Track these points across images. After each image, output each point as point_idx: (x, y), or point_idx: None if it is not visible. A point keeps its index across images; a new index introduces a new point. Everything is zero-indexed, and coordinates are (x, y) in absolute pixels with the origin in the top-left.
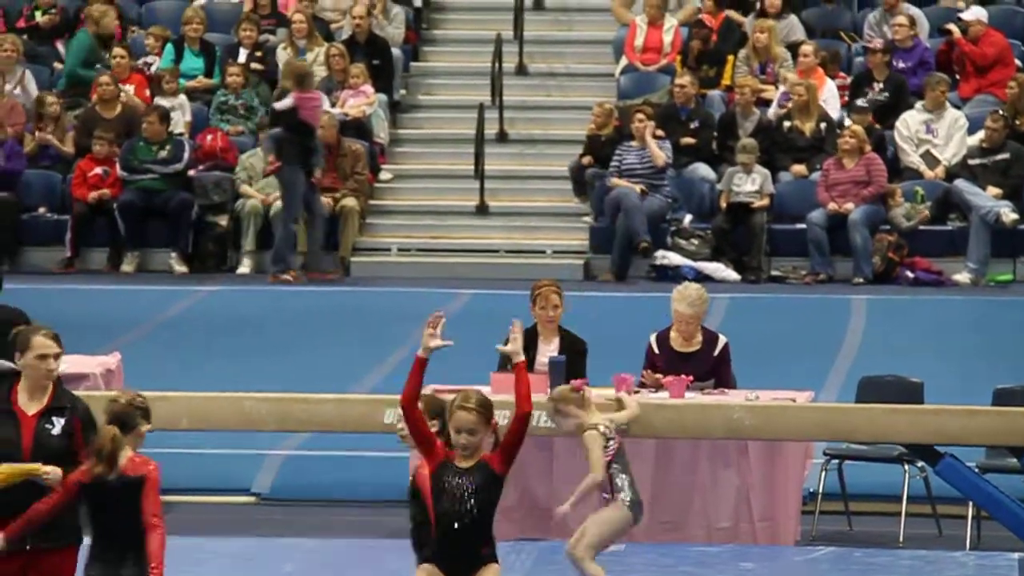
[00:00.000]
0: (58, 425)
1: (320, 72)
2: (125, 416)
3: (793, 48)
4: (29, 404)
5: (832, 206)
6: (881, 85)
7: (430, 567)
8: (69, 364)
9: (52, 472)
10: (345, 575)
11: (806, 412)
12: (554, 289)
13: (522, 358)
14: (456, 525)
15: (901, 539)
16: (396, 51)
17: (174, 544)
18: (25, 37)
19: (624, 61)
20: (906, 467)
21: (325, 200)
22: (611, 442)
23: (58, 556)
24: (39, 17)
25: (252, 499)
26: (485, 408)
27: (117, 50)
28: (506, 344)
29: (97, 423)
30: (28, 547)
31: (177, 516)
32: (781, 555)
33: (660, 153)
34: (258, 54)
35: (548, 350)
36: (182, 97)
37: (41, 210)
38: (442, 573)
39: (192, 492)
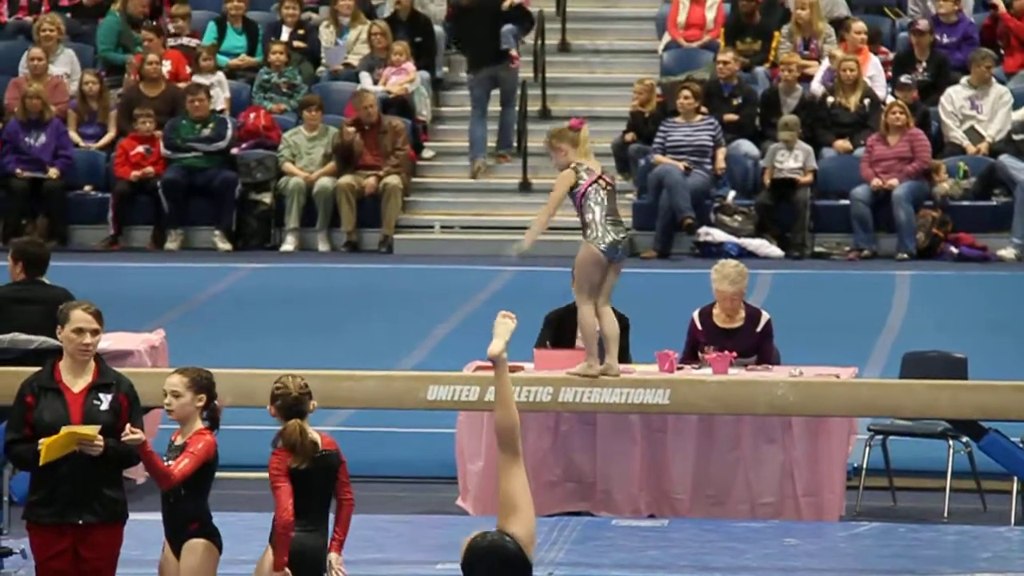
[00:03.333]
0: (105, 401)
1: (363, 50)
2: (299, 405)
3: (836, 23)
4: (74, 381)
5: (876, 182)
6: (924, 64)
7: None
8: (114, 341)
9: (99, 439)
10: (386, 550)
11: (850, 388)
12: None
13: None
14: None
15: (946, 514)
16: (438, 28)
17: (221, 519)
18: (69, 15)
19: (667, 37)
20: (950, 442)
21: (368, 179)
22: (581, 180)
23: (108, 531)
24: None
25: None
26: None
27: (145, 32)
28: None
29: (140, 400)
30: (80, 522)
31: (222, 492)
32: (825, 531)
33: None
34: (300, 32)
35: None
36: (220, 75)
37: (86, 188)
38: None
39: (236, 468)
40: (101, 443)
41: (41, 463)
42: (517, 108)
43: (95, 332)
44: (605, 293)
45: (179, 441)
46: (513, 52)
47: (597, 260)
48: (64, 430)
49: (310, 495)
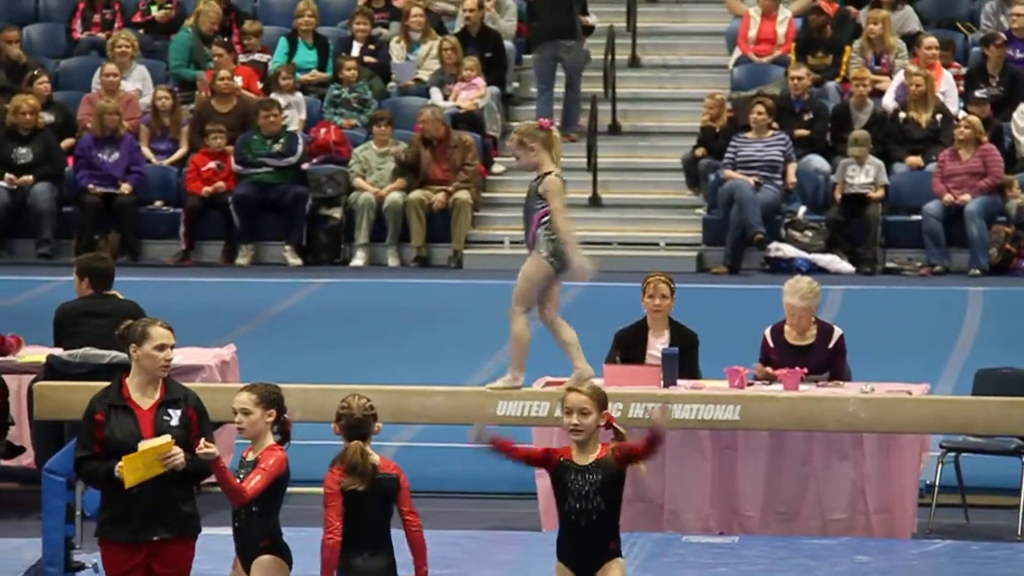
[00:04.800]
0: (175, 417)
1: (433, 65)
2: (362, 427)
3: (908, 38)
4: (143, 398)
5: (948, 197)
6: (996, 79)
7: (560, 564)
8: (185, 356)
9: (177, 450)
10: (456, 566)
11: (922, 405)
12: (664, 280)
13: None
14: (583, 523)
15: (1019, 532)
16: (508, 44)
17: (292, 534)
18: (141, 32)
19: (737, 52)
20: None
21: (437, 194)
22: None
23: (181, 546)
24: (155, 12)
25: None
26: (598, 393)
27: (216, 48)
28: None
29: (208, 414)
30: (155, 539)
31: (293, 507)
32: (897, 548)
33: None
34: (371, 47)
35: (658, 342)
36: (298, 95)
37: (157, 203)
38: (570, 570)
39: (306, 483)
40: (180, 454)
41: (127, 487)
42: (588, 123)
43: (172, 347)
44: (556, 303)
45: (251, 457)
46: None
47: (549, 274)
48: (141, 446)
49: (365, 518)
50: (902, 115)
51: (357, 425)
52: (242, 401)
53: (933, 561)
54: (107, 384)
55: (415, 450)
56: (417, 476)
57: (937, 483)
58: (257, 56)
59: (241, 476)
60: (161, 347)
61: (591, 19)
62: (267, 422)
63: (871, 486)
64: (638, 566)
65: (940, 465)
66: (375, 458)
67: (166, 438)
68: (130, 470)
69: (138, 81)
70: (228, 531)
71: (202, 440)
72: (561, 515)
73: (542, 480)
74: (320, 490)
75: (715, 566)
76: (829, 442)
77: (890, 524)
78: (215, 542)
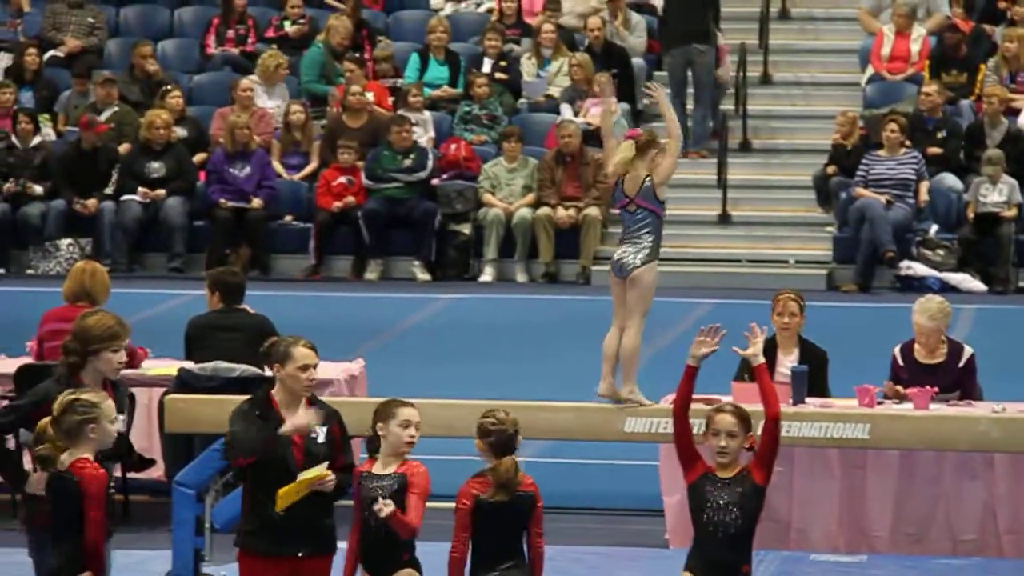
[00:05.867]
0: (321, 434)
1: (564, 82)
2: (513, 442)
3: None
4: (289, 414)
5: None
6: None
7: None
8: None
9: (331, 475)
10: None
11: None
12: (794, 298)
13: (762, 360)
14: (720, 535)
15: None
16: (639, 60)
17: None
18: (274, 47)
19: (870, 70)
20: None
21: (566, 211)
22: None
23: (320, 563)
24: (288, 27)
25: None
26: (743, 414)
27: (347, 64)
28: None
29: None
30: (300, 554)
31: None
32: None
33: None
34: (502, 64)
35: (788, 360)
36: (427, 113)
37: (287, 218)
38: None
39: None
40: (333, 479)
41: (279, 509)
42: (720, 139)
43: (316, 367)
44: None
45: (383, 470)
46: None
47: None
48: (301, 477)
49: (500, 530)
50: None
51: (509, 441)
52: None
53: None
54: (249, 397)
55: (541, 465)
56: (543, 492)
57: None
58: (391, 81)
59: (379, 491)
60: (304, 368)
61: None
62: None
63: (1002, 506)
64: None
65: None
66: (521, 474)
67: (323, 467)
68: (284, 495)
69: (279, 98)
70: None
71: (380, 500)
72: (697, 527)
73: (669, 498)
74: (444, 505)
75: None
76: (960, 462)
77: (1020, 545)
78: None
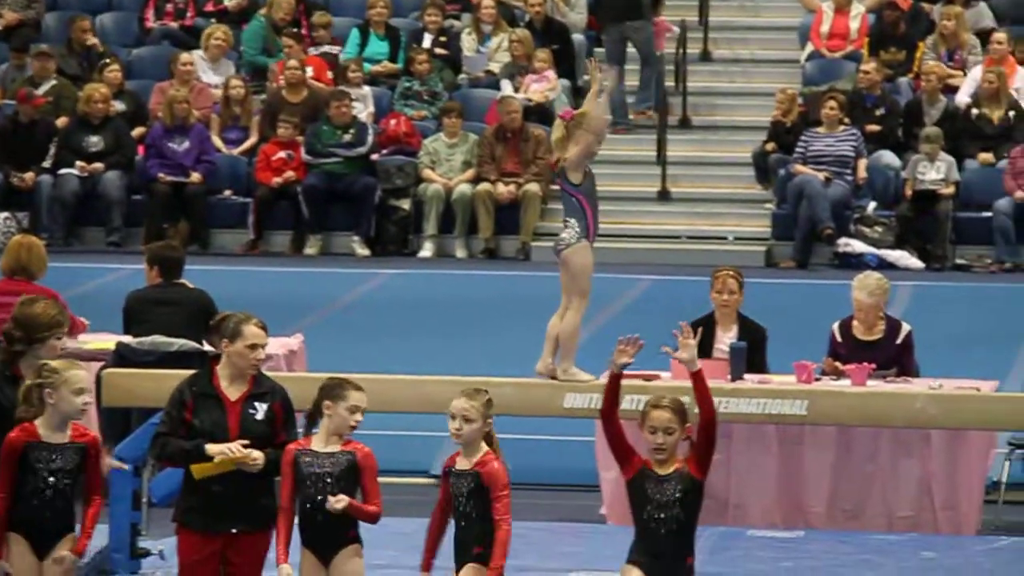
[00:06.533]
0: (261, 411)
1: (504, 57)
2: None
3: (982, 35)
4: (231, 389)
5: (1019, 194)
6: None
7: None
8: None
9: (259, 457)
10: (519, 557)
11: (990, 402)
12: (732, 274)
13: (698, 367)
14: (663, 531)
15: None
16: (579, 36)
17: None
18: (213, 21)
19: (809, 47)
20: None
21: (506, 187)
22: None
23: (257, 537)
24: (227, 1)
25: (431, 480)
26: (680, 408)
27: (286, 39)
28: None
29: (293, 411)
30: (234, 530)
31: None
32: (963, 545)
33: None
34: (442, 39)
35: (726, 337)
36: (366, 88)
37: (226, 193)
38: None
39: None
40: (260, 461)
41: (196, 479)
42: (659, 114)
43: (265, 346)
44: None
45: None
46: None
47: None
48: (219, 458)
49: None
50: (974, 111)
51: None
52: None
53: (999, 558)
54: (195, 372)
55: None
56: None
57: (1005, 480)
58: (327, 48)
59: (326, 468)
60: (253, 347)
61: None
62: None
63: (938, 483)
64: (703, 560)
65: (1008, 462)
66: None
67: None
68: (201, 467)
69: (223, 74)
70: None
71: (330, 498)
72: (639, 522)
73: (606, 473)
74: (394, 480)
75: (780, 560)
76: (896, 438)
77: (956, 521)
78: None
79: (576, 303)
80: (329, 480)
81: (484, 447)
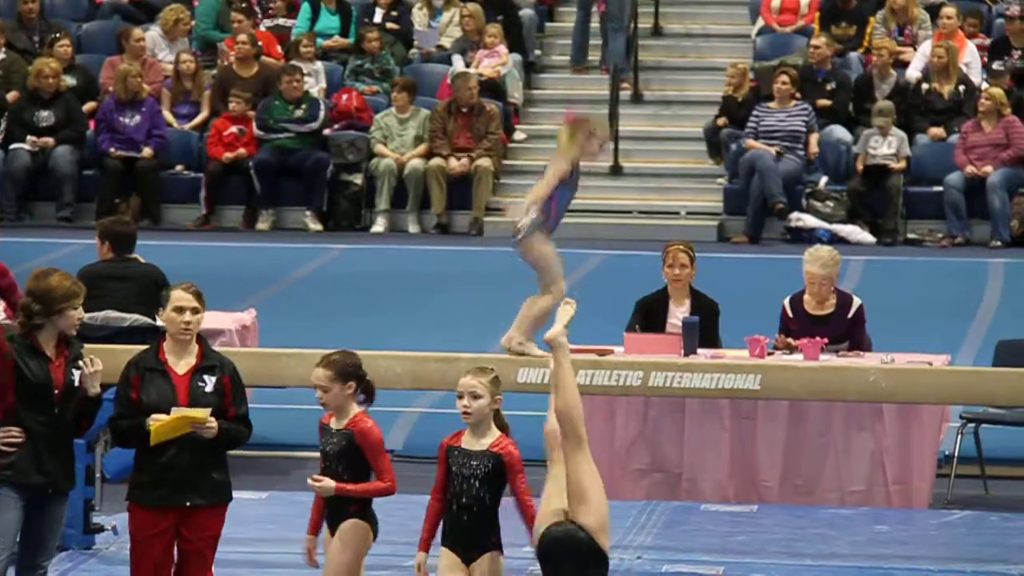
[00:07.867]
0: (210, 383)
1: (455, 32)
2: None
3: (932, 10)
4: (178, 363)
5: (970, 169)
6: (1020, 52)
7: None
8: (204, 320)
9: (212, 422)
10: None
11: (942, 375)
12: (684, 249)
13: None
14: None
15: None
16: (529, 12)
17: (308, 499)
18: None
19: (760, 22)
20: None
21: (458, 161)
22: None
23: (211, 512)
24: None
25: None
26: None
27: (236, 14)
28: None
29: (243, 384)
30: (188, 504)
31: (311, 472)
32: (915, 518)
33: None
34: (394, 14)
35: (679, 311)
36: (318, 64)
37: (178, 168)
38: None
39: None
40: (215, 426)
41: (151, 444)
42: (611, 90)
43: (195, 311)
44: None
45: (336, 425)
46: None
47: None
48: (175, 413)
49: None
50: (925, 86)
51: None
52: (319, 377)
53: (951, 531)
54: (145, 347)
55: (435, 416)
56: (437, 442)
57: (956, 454)
58: (282, 21)
59: (330, 445)
60: (179, 309)
61: None
62: (347, 395)
63: (890, 457)
64: (656, 534)
65: (959, 436)
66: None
67: (206, 412)
68: (157, 429)
69: (176, 49)
70: (258, 496)
71: (310, 481)
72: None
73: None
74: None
75: (734, 535)
76: (849, 412)
77: (908, 495)
78: (241, 507)
79: (554, 289)
80: (332, 460)
81: (495, 429)
